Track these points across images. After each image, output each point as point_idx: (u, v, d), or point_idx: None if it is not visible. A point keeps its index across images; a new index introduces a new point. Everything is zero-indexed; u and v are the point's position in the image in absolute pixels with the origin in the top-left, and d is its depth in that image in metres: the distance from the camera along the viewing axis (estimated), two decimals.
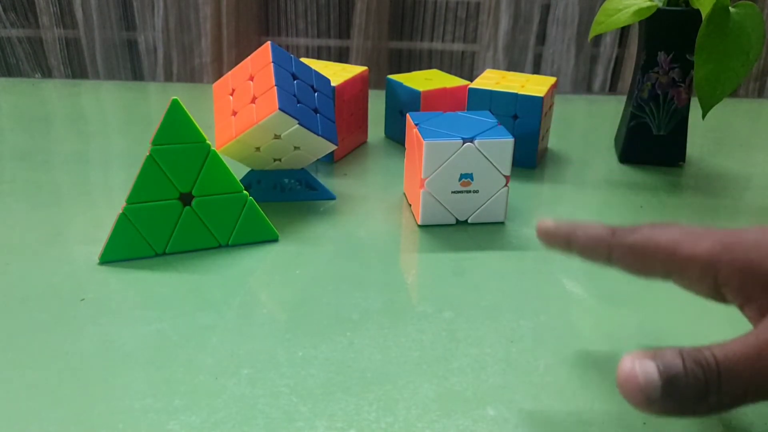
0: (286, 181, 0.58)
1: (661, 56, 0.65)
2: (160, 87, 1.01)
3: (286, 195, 0.59)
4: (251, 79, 0.55)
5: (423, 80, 0.72)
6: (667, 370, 0.25)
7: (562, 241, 0.36)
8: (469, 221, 0.56)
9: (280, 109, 0.51)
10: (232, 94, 0.56)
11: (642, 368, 0.25)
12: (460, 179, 0.54)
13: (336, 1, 1.24)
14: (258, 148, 0.55)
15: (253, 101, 0.53)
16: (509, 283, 0.48)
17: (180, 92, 0.91)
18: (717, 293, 0.31)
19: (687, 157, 0.70)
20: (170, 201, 0.48)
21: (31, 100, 0.86)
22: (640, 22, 0.66)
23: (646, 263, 0.33)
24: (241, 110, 0.54)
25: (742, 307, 0.30)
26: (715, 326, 0.44)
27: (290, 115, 0.52)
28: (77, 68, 1.26)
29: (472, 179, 0.54)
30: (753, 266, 0.29)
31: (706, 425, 0.35)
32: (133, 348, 0.40)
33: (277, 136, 0.53)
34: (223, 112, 0.56)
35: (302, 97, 0.55)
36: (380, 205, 0.59)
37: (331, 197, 0.60)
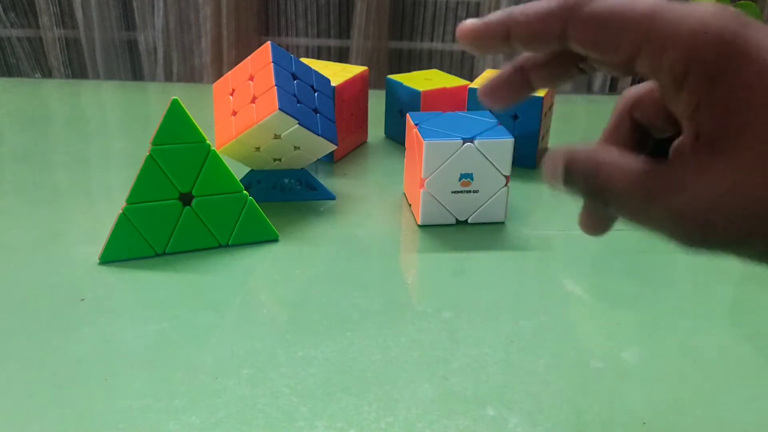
0: (286, 181, 0.58)
1: None
2: (160, 87, 1.01)
3: (286, 195, 0.59)
4: (251, 79, 0.55)
5: (423, 80, 0.72)
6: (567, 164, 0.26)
7: (500, 34, 0.28)
8: (469, 221, 0.56)
9: (280, 109, 0.51)
10: (232, 94, 0.56)
11: (553, 168, 0.27)
12: (460, 179, 0.54)
13: (336, 1, 1.24)
14: (258, 148, 0.55)
15: (253, 101, 0.53)
16: (509, 283, 0.48)
17: (180, 92, 0.91)
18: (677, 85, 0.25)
19: None
20: (170, 201, 0.48)
21: (31, 100, 0.86)
22: None
23: (610, 40, 0.25)
24: (241, 110, 0.54)
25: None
26: (715, 326, 0.44)
27: (290, 115, 0.52)
28: (77, 68, 1.26)
29: (472, 179, 0.54)
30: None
31: (707, 425, 0.35)
32: (133, 348, 0.40)
33: (277, 136, 0.53)
34: (223, 112, 0.56)
35: (302, 97, 0.55)
36: (380, 205, 0.59)
37: (331, 197, 0.60)
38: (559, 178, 0.27)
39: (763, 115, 0.22)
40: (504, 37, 0.28)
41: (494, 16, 0.28)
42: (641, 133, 0.29)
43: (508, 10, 0.28)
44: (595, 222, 0.30)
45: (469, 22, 0.28)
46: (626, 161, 0.25)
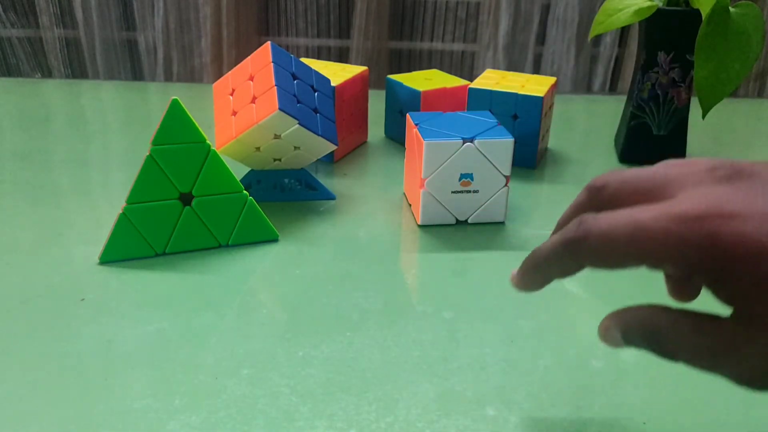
0: (286, 181, 0.58)
1: (661, 56, 0.65)
2: (160, 87, 1.01)
3: (286, 195, 0.59)
4: (251, 79, 0.55)
5: (423, 80, 0.72)
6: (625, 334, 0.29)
7: (539, 280, 0.32)
8: (469, 221, 0.56)
9: (280, 109, 0.51)
10: (232, 94, 0.56)
11: (610, 335, 0.30)
12: (460, 179, 0.54)
13: (336, 1, 1.24)
14: (258, 148, 0.55)
15: (253, 101, 0.53)
16: (509, 283, 0.48)
17: (180, 92, 0.91)
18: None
19: (687, 157, 0.70)
20: (170, 201, 0.48)
21: (31, 100, 0.86)
22: (640, 22, 0.65)
23: (618, 262, 0.29)
24: (241, 110, 0.54)
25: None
26: None
27: (290, 115, 0.52)
28: (77, 68, 1.26)
29: (472, 179, 0.54)
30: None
31: (707, 425, 0.35)
32: (133, 348, 0.40)
33: (277, 136, 0.53)
34: (223, 112, 0.56)
35: (302, 97, 0.55)
36: (380, 205, 0.59)
37: (331, 197, 0.60)
38: (618, 342, 0.29)
39: (757, 304, 0.25)
40: (542, 279, 0.32)
41: (528, 272, 0.32)
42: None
43: (536, 262, 0.31)
44: (535, 288, 0.33)
45: (517, 280, 0.33)
46: (683, 324, 0.27)
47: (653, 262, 0.27)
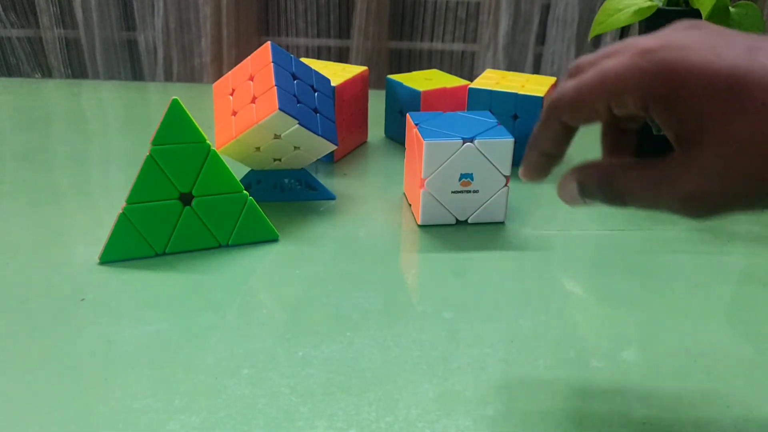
0: (286, 181, 0.58)
1: None
2: (160, 87, 1.01)
3: (286, 195, 0.59)
4: (251, 79, 0.55)
5: (423, 80, 0.72)
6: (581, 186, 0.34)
7: (542, 161, 0.38)
8: (469, 221, 0.56)
9: (280, 108, 0.51)
10: (232, 94, 0.56)
11: (568, 189, 0.35)
12: (460, 179, 0.54)
13: (336, 1, 1.24)
14: (258, 148, 0.55)
15: (253, 101, 0.53)
16: (509, 283, 0.48)
17: (180, 92, 0.91)
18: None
19: None
20: (170, 201, 0.48)
21: (31, 100, 0.86)
22: (640, 22, 0.65)
23: (591, 116, 0.34)
24: (241, 110, 0.54)
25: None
26: (716, 326, 0.44)
27: (290, 115, 0.52)
28: (77, 68, 1.26)
29: (472, 179, 0.54)
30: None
31: (706, 425, 0.35)
32: (133, 348, 0.40)
33: (277, 136, 0.53)
34: (223, 112, 0.56)
35: (302, 97, 0.55)
36: (380, 205, 0.59)
37: (331, 197, 0.60)
38: (575, 195, 0.35)
39: (713, 120, 0.28)
40: (546, 162, 0.38)
41: (527, 156, 0.38)
42: (627, 136, 0.36)
43: (530, 143, 0.37)
44: (537, 171, 0.39)
45: (522, 170, 0.39)
46: (632, 168, 0.32)
47: (616, 98, 0.30)
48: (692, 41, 0.30)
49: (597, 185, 0.33)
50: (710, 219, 0.30)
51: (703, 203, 0.30)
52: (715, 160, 0.29)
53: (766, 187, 0.28)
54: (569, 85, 0.32)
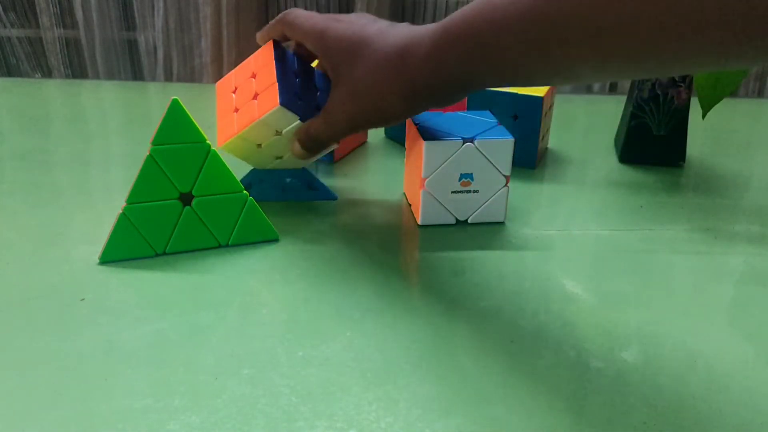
0: (287, 180, 0.58)
1: None
2: (160, 87, 1.01)
3: (286, 195, 0.59)
4: (253, 76, 0.55)
5: None
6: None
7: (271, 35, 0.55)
8: (469, 221, 0.56)
9: (281, 104, 0.51)
10: (234, 92, 0.56)
11: (295, 149, 0.54)
12: (460, 179, 0.54)
13: (336, 1, 1.24)
14: (259, 145, 0.55)
15: (254, 97, 0.53)
16: (509, 283, 0.48)
17: (180, 92, 0.91)
18: None
19: (687, 157, 0.70)
20: (170, 201, 0.48)
21: (31, 100, 0.86)
22: None
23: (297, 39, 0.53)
24: (243, 107, 0.54)
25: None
26: (716, 326, 0.44)
27: (291, 110, 0.52)
28: (77, 68, 1.26)
29: (472, 179, 0.54)
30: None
31: (706, 425, 0.35)
32: (133, 348, 0.40)
33: (278, 132, 0.53)
34: (226, 110, 0.56)
35: (304, 95, 0.55)
36: (380, 205, 0.59)
37: (332, 197, 0.60)
38: (299, 150, 0.53)
39: (345, 66, 0.48)
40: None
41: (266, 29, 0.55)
42: None
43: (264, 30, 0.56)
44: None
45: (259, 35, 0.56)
46: (316, 116, 0.52)
47: (304, 41, 0.52)
48: (348, 22, 0.49)
49: (305, 136, 0.52)
50: (353, 133, 0.52)
51: (344, 122, 0.49)
52: (345, 92, 0.48)
53: (379, 104, 0.47)
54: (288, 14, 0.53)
